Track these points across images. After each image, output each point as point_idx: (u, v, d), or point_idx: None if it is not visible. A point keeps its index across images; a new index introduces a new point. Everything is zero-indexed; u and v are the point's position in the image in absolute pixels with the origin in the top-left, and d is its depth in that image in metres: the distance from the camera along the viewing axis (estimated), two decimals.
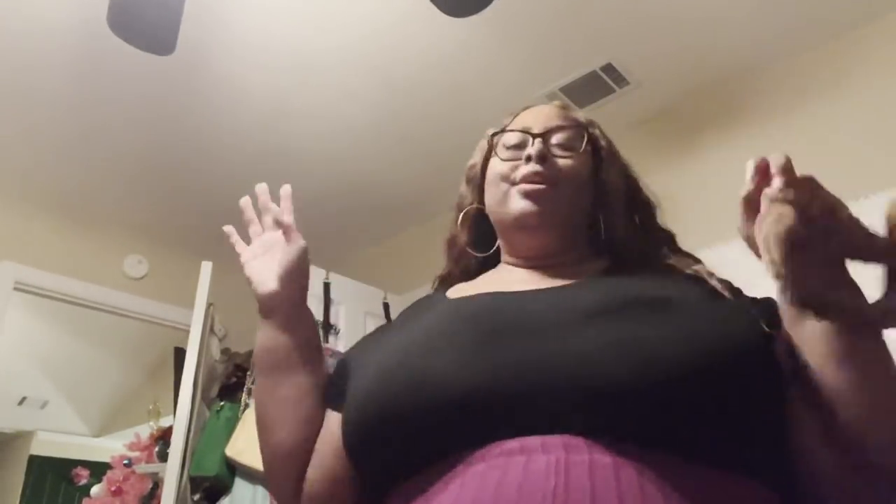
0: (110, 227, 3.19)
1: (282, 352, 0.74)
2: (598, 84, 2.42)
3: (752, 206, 0.53)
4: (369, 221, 3.28)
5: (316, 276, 2.77)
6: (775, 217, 0.49)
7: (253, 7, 2.05)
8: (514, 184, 0.77)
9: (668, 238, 0.82)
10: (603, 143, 0.83)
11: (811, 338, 0.55)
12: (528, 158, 0.76)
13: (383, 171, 2.92)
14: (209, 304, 2.49)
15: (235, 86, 2.38)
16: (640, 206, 0.82)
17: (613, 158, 0.83)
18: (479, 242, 0.84)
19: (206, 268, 2.51)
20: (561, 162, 0.77)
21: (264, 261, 0.76)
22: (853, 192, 1.93)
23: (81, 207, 3.05)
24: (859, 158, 2.03)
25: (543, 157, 0.76)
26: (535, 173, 0.75)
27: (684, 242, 0.82)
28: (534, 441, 0.52)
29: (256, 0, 2.03)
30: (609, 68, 2.36)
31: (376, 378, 0.62)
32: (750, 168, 0.54)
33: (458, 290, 0.79)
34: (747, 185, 0.53)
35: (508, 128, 0.83)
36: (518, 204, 0.76)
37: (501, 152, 0.80)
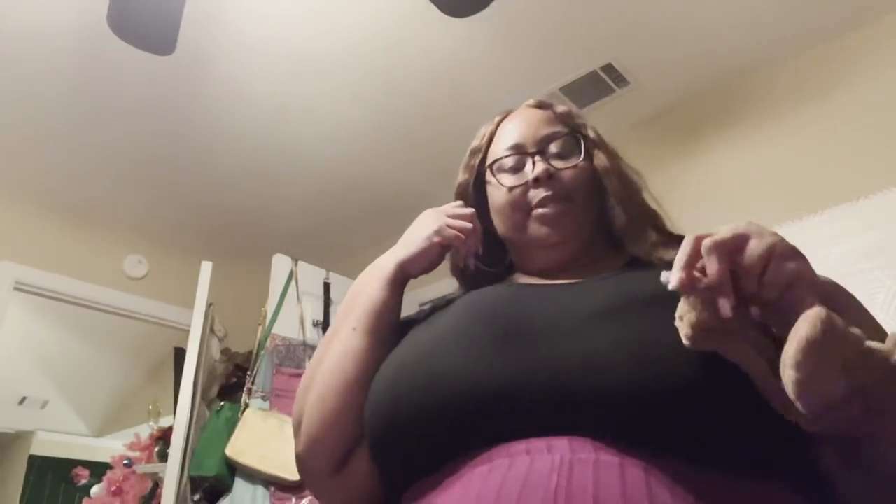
0: (110, 227, 3.19)
1: (395, 315, 0.75)
2: (598, 84, 2.42)
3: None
4: (369, 221, 3.28)
5: (316, 276, 2.77)
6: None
7: (253, 9, 2.05)
8: (528, 211, 0.76)
9: (654, 217, 0.79)
10: (590, 133, 0.80)
11: None
12: (537, 181, 0.75)
13: (383, 172, 2.92)
14: (209, 304, 2.50)
15: (235, 87, 2.38)
16: (626, 185, 0.79)
17: (601, 147, 0.80)
18: (484, 254, 0.82)
19: (206, 268, 2.52)
20: (566, 174, 0.76)
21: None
22: (852, 193, 1.95)
23: (81, 207, 3.05)
24: (858, 159, 2.03)
25: (550, 176, 0.75)
26: (548, 196, 0.74)
27: None
28: (539, 442, 0.51)
29: (256, 2, 2.03)
30: (609, 68, 2.36)
31: (395, 376, 0.63)
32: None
33: None
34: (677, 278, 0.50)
35: (495, 143, 0.82)
36: (538, 231, 0.75)
37: (504, 179, 0.78)
